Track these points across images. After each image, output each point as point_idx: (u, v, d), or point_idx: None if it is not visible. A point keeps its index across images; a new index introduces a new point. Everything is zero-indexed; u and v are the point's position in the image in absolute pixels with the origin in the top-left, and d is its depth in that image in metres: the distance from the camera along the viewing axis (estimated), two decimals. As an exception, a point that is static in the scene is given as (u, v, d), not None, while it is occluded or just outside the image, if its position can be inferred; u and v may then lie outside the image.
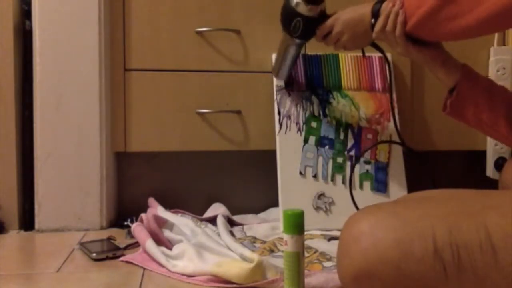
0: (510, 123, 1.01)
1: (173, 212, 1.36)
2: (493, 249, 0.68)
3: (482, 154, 1.54)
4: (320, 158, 1.36)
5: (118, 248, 1.18)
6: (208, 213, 1.41)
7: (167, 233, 1.20)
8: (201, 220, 1.35)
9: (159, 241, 1.16)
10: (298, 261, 0.87)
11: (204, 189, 1.50)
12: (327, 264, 1.07)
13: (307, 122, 1.38)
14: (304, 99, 1.39)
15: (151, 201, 1.41)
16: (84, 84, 1.35)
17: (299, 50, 1.28)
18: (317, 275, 0.96)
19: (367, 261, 0.71)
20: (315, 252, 1.13)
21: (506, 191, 0.78)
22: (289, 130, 1.37)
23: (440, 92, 1.08)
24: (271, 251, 1.15)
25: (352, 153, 1.38)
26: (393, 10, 1.00)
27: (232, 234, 1.26)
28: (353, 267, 0.72)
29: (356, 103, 1.41)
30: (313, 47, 1.34)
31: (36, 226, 1.36)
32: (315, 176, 1.35)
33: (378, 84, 1.43)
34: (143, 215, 1.22)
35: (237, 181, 1.51)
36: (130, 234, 1.25)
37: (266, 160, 1.40)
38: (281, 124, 1.37)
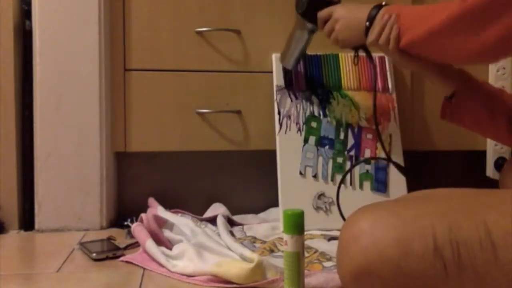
0: (509, 126, 1.02)
1: (173, 212, 1.36)
2: (493, 246, 0.68)
3: (482, 154, 1.54)
4: (320, 158, 1.36)
5: (118, 248, 1.18)
6: (208, 213, 1.41)
7: (167, 233, 1.20)
8: (201, 220, 1.35)
9: (159, 241, 1.16)
10: (298, 261, 0.87)
11: (204, 189, 1.50)
12: (327, 264, 1.07)
13: (307, 122, 1.38)
14: (304, 99, 1.39)
15: (151, 201, 1.41)
16: (84, 84, 1.35)
17: (305, 36, 1.26)
18: (317, 275, 0.96)
19: (367, 259, 0.71)
20: (315, 252, 1.13)
21: (506, 190, 0.79)
22: (289, 130, 1.37)
23: (440, 92, 1.08)
24: (271, 251, 1.15)
25: (352, 153, 1.38)
26: (388, 23, 0.99)
27: (232, 234, 1.26)
28: (353, 266, 0.73)
29: (356, 103, 1.41)
30: (313, 47, 1.34)
31: (36, 226, 1.36)
32: (315, 176, 1.35)
33: (378, 84, 1.43)
34: (143, 215, 1.22)
35: (237, 181, 1.51)
36: (130, 234, 1.25)
37: (266, 160, 1.40)
38: (281, 124, 1.37)
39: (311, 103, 1.39)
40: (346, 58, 1.43)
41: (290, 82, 1.39)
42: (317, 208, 1.33)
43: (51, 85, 1.34)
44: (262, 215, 1.46)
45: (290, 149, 1.35)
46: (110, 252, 1.15)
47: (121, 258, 1.13)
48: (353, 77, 1.43)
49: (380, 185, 1.36)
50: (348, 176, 1.35)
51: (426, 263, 0.69)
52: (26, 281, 1.03)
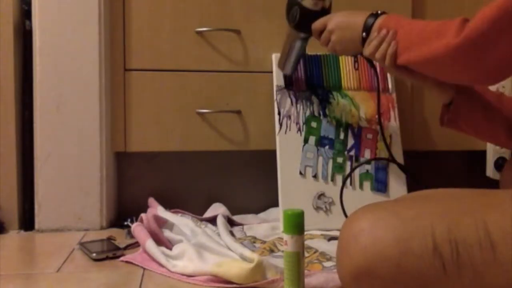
0: (508, 131, 1.02)
1: (173, 212, 1.36)
2: (492, 246, 0.68)
3: (482, 154, 1.54)
4: (320, 158, 1.36)
5: (118, 248, 1.18)
6: (208, 213, 1.41)
7: (167, 233, 1.20)
8: (201, 220, 1.35)
9: (159, 241, 1.16)
10: (298, 261, 0.87)
11: (204, 189, 1.50)
12: (327, 264, 1.07)
13: (307, 122, 1.38)
14: (304, 99, 1.39)
15: (151, 201, 1.41)
16: (84, 84, 1.35)
17: (300, 44, 1.26)
18: (317, 275, 0.96)
19: (367, 259, 0.71)
20: (315, 252, 1.13)
21: (506, 190, 0.79)
22: (289, 130, 1.37)
23: (438, 100, 1.08)
24: (271, 251, 1.15)
25: (352, 153, 1.38)
26: (386, 39, 0.97)
27: (232, 234, 1.26)
28: (353, 265, 0.73)
29: (356, 103, 1.41)
30: (313, 47, 1.34)
31: (36, 226, 1.36)
32: (315, 176, 1.35)
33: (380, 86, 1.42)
34: (143, 215, 1.22)
35: (237, 181, 1.51)
36: (130, 234, 1.25)
37: (266, 160, 1.40)
38: (281, 124, 1.37)
39: (311, 103, 1.39)
40: (346, 58, 1.43)
41: (290, 82, 1.39)
42: (317, 208, 1.33)
43: (51, 85, 1.34)
44: (262, 215, 1.46)
45: (290, 149, 1.35)
46: (110, 252, 1.15)
47: (121, 258, 1.13)
48: (353, 77, 1.43)
49: (380, 185, 1.36)
50: (349, 177, 1.35)
51: (426, 262, 0.70)
52: (26, 281, 1.03)
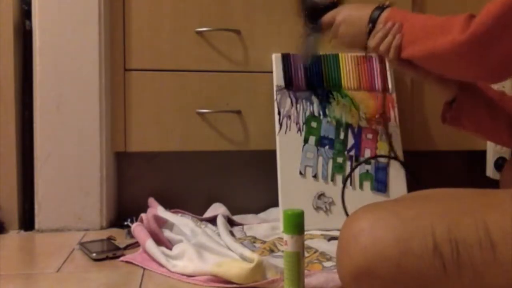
0: (511, 130, 1.01)
1: (173, 212, 1.36)
2: (492, 246, 0.68)
3: (482, 154, 1.54)
4: (320, 158, 1.36)
5: (118, 248, 1.18)
6: (208, 213, 1.41)
7: (167, 233, 1.20)
8: (201, 220, 1.35)
9: (159, 241, 1.16)
10: (298, 261, 0.87)
11: (204, 189, 1.50)
12: (327, 264, 1.07)
13: (307, 122, 1.38)
14: (304, 99, 1.39)
15: (151, 201, 1.41)
16: (84, 84, 1.35)
17: (313, 39, 1.22)
18: (317, 275, 0.96)
19: (367, 259, 0.71)
20: (315, 252, 1.13)
21: (506, 190, 0.78)
22: (289, 130, 1.37)
23: (440, 98, 1.08)
24: (271, 251, 1.15)
25: (352, 153, 1.38)
26: (391, 32, 0.97)
27: (232, 234, 1.26)
28: (353, 265, 0.73)
29: (356, 103, 1.41)
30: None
31: (36, 226, 1.36)
32: (315, 176, 1.35)
33: (378, 84, 1.43)
34: (143, 215, 1.22)
35: (237, 181, 1.51)
36: (130, 234, 1.25)
37: (266, 160, 1.40)
38: (281, 124, 1.37)
39: (311, 103, 1.39)
40: (346, 58, 1.43)
41: (290, 82, 1.39)
42: (317, 208, 1.33)
43: (51, 85, 1.34)
44: (262, 215, 1.46)
45: (290, 149, 1.35)
46: (110, 252, 1.15)
47: (121, 258, 1.13)
48: (353, 77, 1.43)
49: (380, 185, 1.36)
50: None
51: (426, 262, 0.70)
52: (26, 281, 1.03)
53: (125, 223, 1.34)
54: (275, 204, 1.36)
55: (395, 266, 0.70)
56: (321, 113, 1.39)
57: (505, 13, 0.76)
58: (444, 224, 0.70)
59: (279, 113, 1.37)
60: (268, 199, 1.46)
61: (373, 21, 1.02)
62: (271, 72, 1.41)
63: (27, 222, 1.38)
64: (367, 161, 1.37)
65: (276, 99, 1.38)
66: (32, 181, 1.36)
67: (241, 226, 1.36)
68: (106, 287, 0.99)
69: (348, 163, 1.37)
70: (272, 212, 1.45)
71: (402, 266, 0.70)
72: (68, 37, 1.34)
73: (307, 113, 1.38)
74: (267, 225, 1.35)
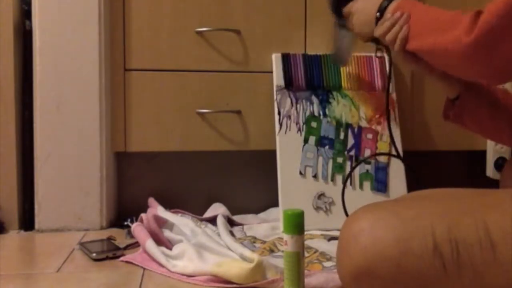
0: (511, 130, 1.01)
1: (173, 212, 1.36)
2: (492, 246, 0.68)
3: (482, 154, 1.54)
4: (320, 158, 1.36)
5: (118, 248, 1.18)
6: (208, 213, 1.41)
7: (167, 233, 1.20)
8: (201, 220, 1.35)
9: (159, 241, 1.16)
10: (298, 261, 0.87)
11: (204, 189, 1.50)
12: (327, 264, 1.07)
13: (307, 122, 1.38)
14: (304, 99, 1.39)
15: (151, 201, 1.41)
16: (84, 84, 1.35)
17: (343, 32, 1.23)
18: (317, 275, 0.96)
19: (367, 259, 0.71)
20: (315, 252, 1.13)
21: (506, 190, 0.78)
22: (289, 130, 1.37)
23: (440, 92, 1.08)
24: (271, 251, 1.15)
25: (352, 153, 1.38)
26: (399, 22, 0.96)
27: (232, 234, 1.26)
28: (353, 265, 0.73)
29: (356, 103, 1.41)
30: (313, 47, 1.34)
31: (36, 226, 1.36)
32: (315, 176, 1.35)
33: (378, 84, 1.43)
34: (143, 215, 1.22)
35: (237, 181, 1.51)
36: (130, 234, 1.25)
37: (266, 160, 1.40)
38: (281, 124, 1.37)
39: (311, 103, 1.39)
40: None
41: (290, 82, 1.39)
42: (317, 208, 1.33)
43: (51, 85, 1.34)
44: (262, 215, 1.46)
45: (290, 149, 1.35)
46: (110, 252, 1.15)
47: (121, 258, 1.13)
48: (353, 77, 1.43)
49: (380, 185, 1.36)
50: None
51: (426, 262, 0.70)
52: (26, 281, 1.03)
53: (125, 223, 1.34)
54: (275, 204, 1.36)
55: (395, 266, 0.70)
56: (321, 113, 1.39)
57: (507, 12, 0.76)
58: (444, 224, 0.70)
59: (279, 113, 1.37)
60: (268, 199, 1.46)
61: (381, 10, 1.01)
62: (271, 72, 1.41)
63: (27, 222, 1.38)
64: (367, 161, 1.37)
65: (276, 99, 1.38)
66: (32, 181, 1.36)
67: (241, 226, 1.36)
68: (106, 287, 0.99)
69: (348, 163, 1.37)
70: (272, 212, 1.45)
71: (402, 266, 0.70)
72: (68, 37, 1.34)
73: (307, 113, 1.38)
74: (267, 225, 1.35)
